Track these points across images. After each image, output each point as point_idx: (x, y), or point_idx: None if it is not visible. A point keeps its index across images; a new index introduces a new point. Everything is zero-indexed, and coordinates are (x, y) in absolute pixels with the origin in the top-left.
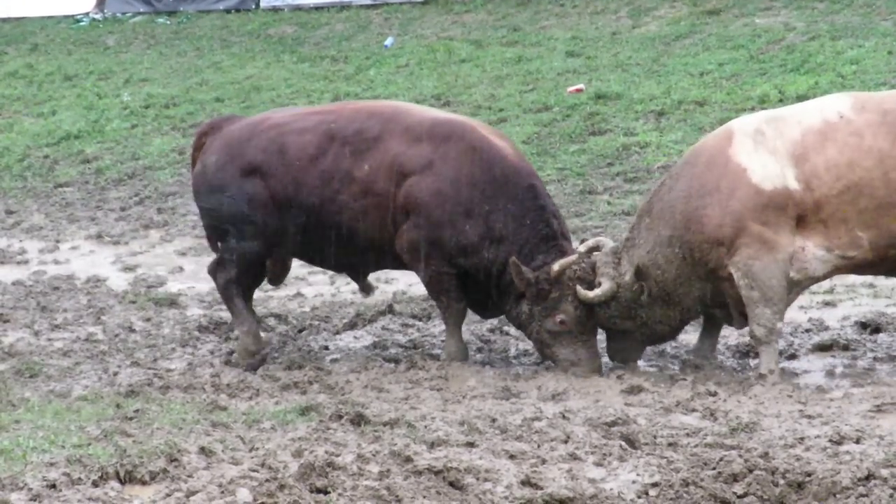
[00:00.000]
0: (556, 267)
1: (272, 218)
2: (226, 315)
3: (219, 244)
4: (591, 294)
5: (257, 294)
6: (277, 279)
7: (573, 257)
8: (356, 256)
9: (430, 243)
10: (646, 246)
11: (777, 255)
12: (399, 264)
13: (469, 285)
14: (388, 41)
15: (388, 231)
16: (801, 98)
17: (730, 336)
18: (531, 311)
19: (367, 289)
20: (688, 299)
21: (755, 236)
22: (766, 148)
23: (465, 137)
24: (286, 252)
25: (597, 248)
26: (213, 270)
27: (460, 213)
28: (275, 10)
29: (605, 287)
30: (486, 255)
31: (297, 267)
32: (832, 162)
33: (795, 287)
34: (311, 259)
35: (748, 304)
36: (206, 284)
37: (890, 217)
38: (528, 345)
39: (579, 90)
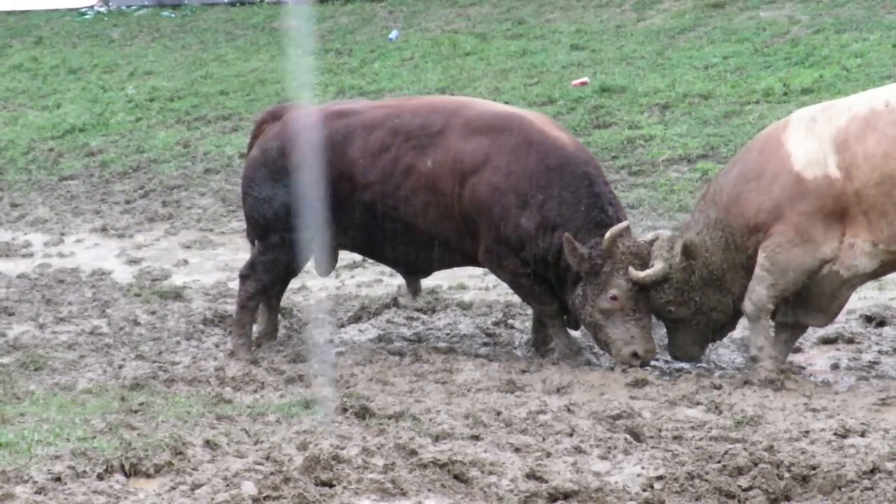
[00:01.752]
0: (606, 235)
1: (332, 213)
2: (231, 308)
3: (256, 242)
4: (641, 273)
5: None
6: (326, 270)
7: (623, 225)
8: (415, 253)
9: (498, 242)
10: (696, 227)
11: (808, 249)
12: (468, 262)
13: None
14: (393, 34)
15: (454, 228)
16: (805, 91)
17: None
18: (584, 292)
19: (415, 290)
20: (737, 286)
21: (791, 225)
22: (814, 135)
23: (520, 130)
24: (344, 246)
25: (656, 239)
26: (245, 275)
27: (516, 205)
28: (279, 3)
29: (656, 267)
30: (540, 243)
31: None
32: (870, 152)
33: (846, 285)
34: (370, 254)
35: (753, 278)
36: (211, 277)
37: None
38: (532, 338)
39: (584, 83)
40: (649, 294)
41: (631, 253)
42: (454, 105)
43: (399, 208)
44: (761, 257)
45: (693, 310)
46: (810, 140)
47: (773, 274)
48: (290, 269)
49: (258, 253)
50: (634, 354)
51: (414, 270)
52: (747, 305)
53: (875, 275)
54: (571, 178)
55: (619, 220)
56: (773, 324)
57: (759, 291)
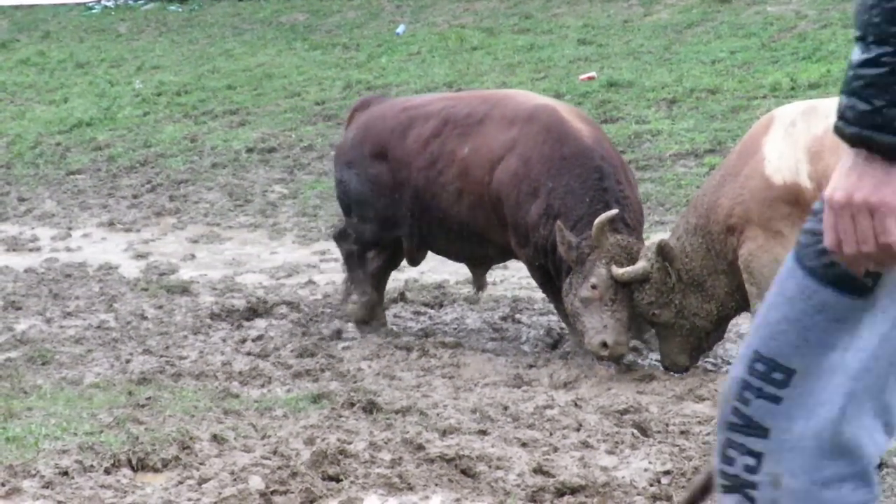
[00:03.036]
0: (595, 223)
1: (391, 200)
2: (238, 303)
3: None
4: (621, 270)
5: (269, 282)
6: (414, 260)
7: (611, 213)
8: (455, 242)
9: (515, 230)
10: (677, 232)
11: (778, 255)
12: (504, 254)
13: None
14: (400, 29)
15: (483, 217)
16: (812, 86)
17: (742, 324)
18: (570, 281)
19: (479, 285)
20: (720, 292)
21: (761, 230)
22: (791, 140)
23: (542, 119)
24: (409, 237)
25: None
26: (338, 238)
27: (529, 192)
28: None
29: (636, 265)
30: (542, 231)
31: (309, 255)
32: None
33: None
34: (424, 243)
35: (749, 298)
36: (219, 272)
37: None
38: (539, 332)
39: (591, 78)
40: (632, 291)
41: (620, 246)
42: (499, 97)
43: (440, 195)
44: (742, 270)
45: (675, 313)
46: (786, 145)
47: (757, 285)
48: (376, 238)
49: (347, 224)
50: (603, 344)
51: (470, 261)
52: (752, 325)
53: None
54: (582, 170)
55: (623, 218)
56: None
57: (757, 307)
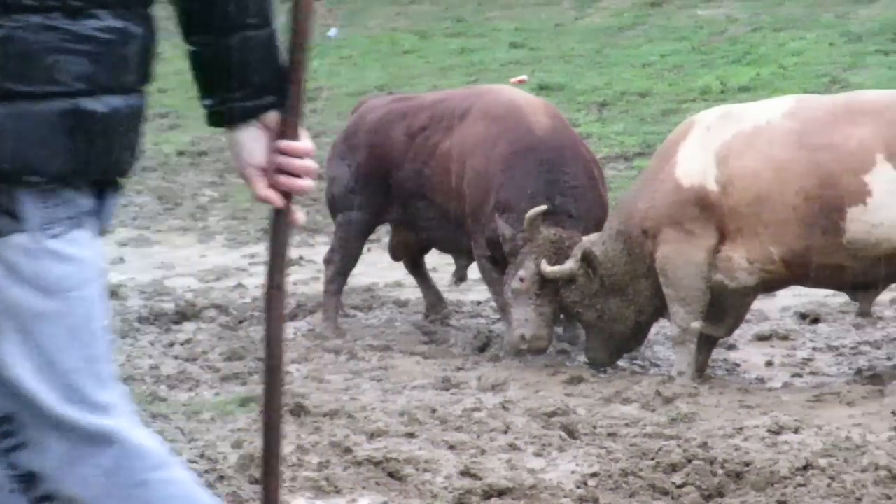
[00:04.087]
0: (526, 217)
1: (379, 189)
2: (167, 306)
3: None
4: (547, 268)
5: (198, 285)
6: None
7: (539, 209)
8: (441, 234)
9: (472, 221)
10: (602, 237)
11: (690, 256)
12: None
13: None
14: (332, 32)
15: (459, 209)
16: (742, 90)
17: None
18: (508, 272)
19: (460, 276)
20: (640, 297)
21: (672, 232)
22: (705, 144)
23: (505, 116)
24: (396, 226)
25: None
26: (326, 261)
27: (486, 188)
28: None
29: (563, 266)
30: (492, 225)
31: (238, 258)
32: (745, 170)
33: (734, 296)
34: (415, 233)
35: (667, 302)
36: (147, 276)
37: (790, 235)
38: (468, 335)
39: (522, 81)
40: (558, 287)
41: (551, 241)
42: (481, 92)
43: (424, 186)
44: (658, 273)
45: (597, 316)
46: (699, 149)
47: (674, 287)
48: (365, 229)
49: (336, 230)
50: (522, 337)
51: (452, 252)
52: (672, 329)
53: (764, 289)
54: (531, 163)
55: (568, 211)
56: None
57: (675, 311)
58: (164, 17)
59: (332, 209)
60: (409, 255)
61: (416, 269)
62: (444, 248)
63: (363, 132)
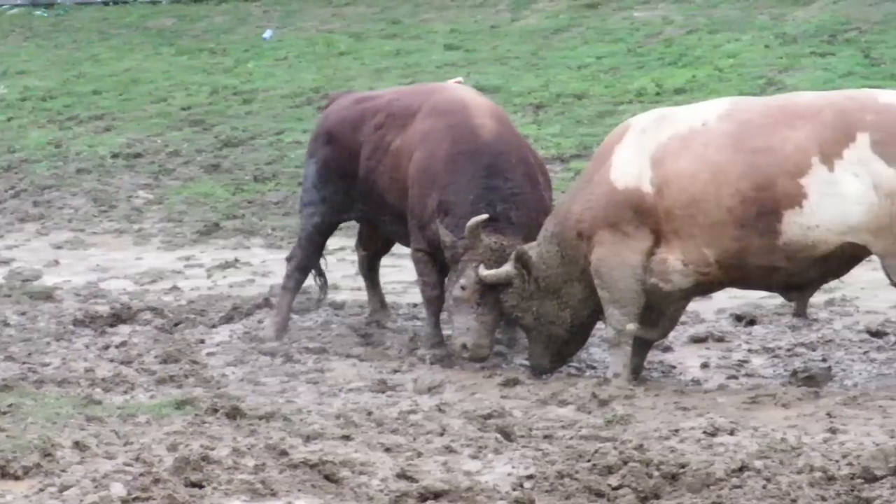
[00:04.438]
0: (467, 226)
1: (341, 186)
2: (102, 309)
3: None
4: (484, 273)
5: (133, 288)
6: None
7: (480, 218)
8: (395, 229)
9: (413, 216)
10: (538, 240)
11: (625, 258)
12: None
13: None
14: (267, 34)
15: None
16: (678, 91)
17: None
18: (449, 278)
19: None
20: (574, 300)
21: (607, 234)
22: (640, 147)
23: (450, 114)
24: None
25: None
26: (288, 258)
27: (428, 185)
28: (153, 2)
29: (500, 270)
30: (433, 226)
31: (174, 261)
32: (681, 172)
33: (669, 299)
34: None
35: (602, 304)
36: (82, 278)
37: (726, 237)
38: (404, 338)
39: (458, 83)
40: (499, 294)
41: (492, 249)
42: (432, 90)
43: (378, 183)
44: (593, 275)
45: (533, 319)
46: (634, 152)
47: (608, 289)
48: (328, 224)
49: (300, 224)
50: (464, 346)
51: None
52: (607, 332)
53: (698, 292)
54: (473, 167)
55: (509, 218)
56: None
57: (611, 313)
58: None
59: (300, 204)
60: (376, 247)
61: (371, 271)
62: (401, 242)
63: (325, 131)
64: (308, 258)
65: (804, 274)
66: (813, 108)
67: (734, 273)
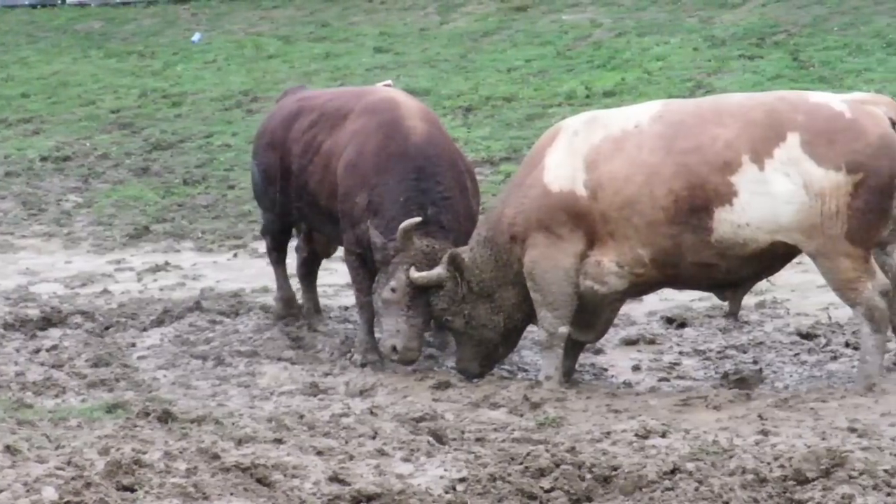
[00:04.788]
0: (399, 229)
1: (281, 187)
2: (32, 312)
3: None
4: (415, 275)
5: (64, 291)
6: (325, 251)
7: (413, 221)
8: (330, 229)
9: (342, 215)
10: (470, 244)
11: (558, 261)
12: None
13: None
14: (196, 37)
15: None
16: (607, 94)
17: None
18: (378, 280)
19: None
20: (507, 304)
21: (540, 237)
22: (572, 149)
23: (379, 114)
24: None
25: None
26: (262, 234)
27: (357, 184)
28: (82, 5)
29: (431, 272)
30: (363, 226)
31: (104, 264)
32: (615, 174)
33: (604, 301)
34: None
35: (535, 307)
36: (12, 281)
37: (660, 236)
38: (335, 341)
39: (388, 86)
40: (429, 296)
41: (423, 252)
42: (365, 92)
43: (308, 183)
44: (526, 278)
45: (464, 322)
46: (566, 154)
47: (541, 292)
48: (278, 222)
49: (262, 217)
50: (393, 348)
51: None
52: (539, 334)
53: (633, 293)
54: (402, 169)
55: (439, 222)
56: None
57: (543, 316)
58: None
59: (255, 197)
60: (315, 249)
61: (308, 274)
62: (339, 244)
63: (269, 130)
64: (278, 246)
65: (737, 272)
66: (743, 107)
67: (669, 272)
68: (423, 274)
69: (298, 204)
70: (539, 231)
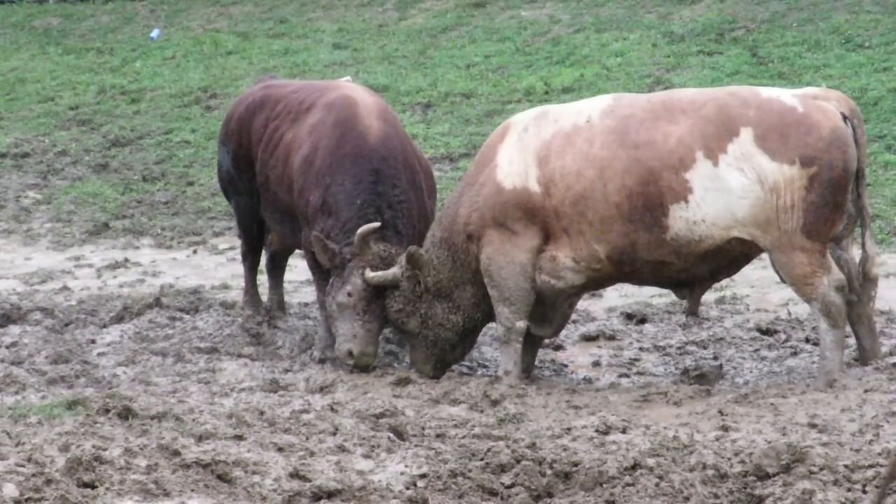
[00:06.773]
0: (356, 234)
1: (248, 177)
2: None
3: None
4: (371, 274)
5: (23, 288)
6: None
7: (372, 226)
8: (288, 226)
9: (298, 211)
10: (425, 245)
11: (514, 256)
12: None
13: None
14: (154, 33)
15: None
16: (566, 90)
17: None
18: (332, 283)
19: None
20: (466, 304)
21: (495, 234)
22: (522, 145)
23: (336, 110)
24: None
25: None
26: (238, 236)
27: (312, 181)
28: (39, 1)
29: (387, 272)
30: (320, 224)
31: (63, 260)
32: (567, 169)
33: (561, 296)
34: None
35: (492, 302)
36: None
37: (614, 232)
38: (295, 337)
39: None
40: (384, 301)
41: (380, 257)
42: (327, 87)
43: (269, 176)
44: (483, 274)
45: (421, 322)
46: (517, 151)
47: (497, 288)
48: (249, 212)
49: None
50: (349, 352)
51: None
52: (497, 329)
53: (591, 288)
54: (358, 170)
55: (395, 226)
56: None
57: (500, 311)
58: None
59: (224, 193)
60: (284, 244)
61: (275, 269)
62: (294, 242)
63: (235, 119)
64: (250, 242)
65: (693, 270)
66: (695, 103)
67: (625, 268)
68: (379, 273)
69: (263, 198)
70: (494, 228)
